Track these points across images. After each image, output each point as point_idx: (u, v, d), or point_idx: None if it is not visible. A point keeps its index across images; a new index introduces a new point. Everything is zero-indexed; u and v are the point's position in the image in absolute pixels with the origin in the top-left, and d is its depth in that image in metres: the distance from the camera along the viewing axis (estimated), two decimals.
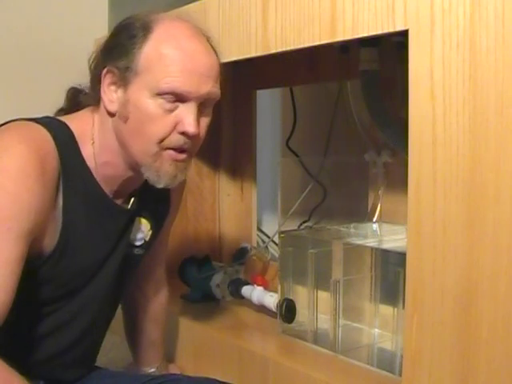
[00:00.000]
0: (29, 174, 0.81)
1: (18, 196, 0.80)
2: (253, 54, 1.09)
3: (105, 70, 0.89)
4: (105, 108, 0.90)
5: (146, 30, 0.88)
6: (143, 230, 1.04)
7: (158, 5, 1.39)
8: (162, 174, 0.89)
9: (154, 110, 0.86)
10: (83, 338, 0.99)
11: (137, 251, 1.04)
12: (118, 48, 0.89)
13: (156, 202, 1.06)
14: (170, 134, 0.87)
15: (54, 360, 0.97)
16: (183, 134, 0.87)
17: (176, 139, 0.87)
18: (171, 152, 0.88)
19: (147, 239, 1.05)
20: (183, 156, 0.89)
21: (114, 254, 0.98)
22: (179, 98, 0.86)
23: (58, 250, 0.88)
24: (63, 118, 0.93)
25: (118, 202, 0.97)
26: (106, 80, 0.89)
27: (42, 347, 0.94)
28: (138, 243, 1.03)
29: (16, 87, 1.71)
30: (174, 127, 0.87)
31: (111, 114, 0.90)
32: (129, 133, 0.89)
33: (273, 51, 1.05)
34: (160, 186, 0.90)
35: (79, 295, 0.95)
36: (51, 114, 0.95)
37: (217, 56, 0.92)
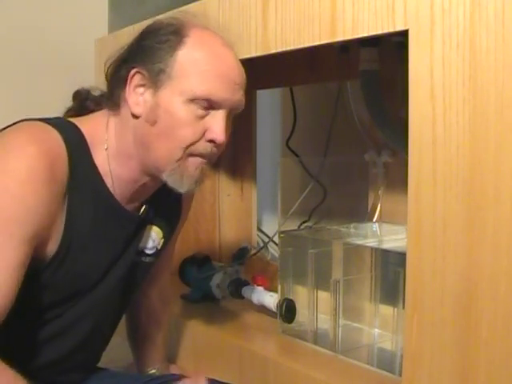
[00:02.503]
0: (37, 177, 0.79)
1: (23, 199, 0.78)
2: (253, 54, 1.09)
3: (133, 72, 0.88)
4: (130, 110, 0.89)
5: (179, 34, 0.88)
6: (155, 238, 1.03)
7: (158, 5, 1.39)
8: (186, 178, 0.88)
9: (186, 116, 0.86)
10: (86, 343, 0.98)
11: (148, 259, 1.03)
12: (149, 51, 0.88)
13: (168, 210, 1.05)
14: (198, 141, 0.87)
15: (56, 365, 0.96)
16: (211, 141, 0.87)
17: (203, 147, 0.88)
18: (197, 158, 0.88)
19: (159, 247, 1.04)
20: (206, 161, 0.90)
21: (120, 261, 0.97)
22: (212, 104, 0.87)
23: (60, 255, 0.86)
24: (75, 121, 0.91)
25: (130, 208, 0.95)
26: (134, 82, 0.88)
27: (44, 352, 0.93)
28: (149, 252, 1.02)
29: (16, 87, 1.71)
30: (203, 134, 0.87)
31: (135, 117, 0.89)
32: (155, 136, 0.87)
33: (273, 51, 1.05)
34: (182, 190, 0.90)
35: (82, 300, 0.94)
36: (51, 114, 0.93)
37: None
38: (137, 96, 0.88)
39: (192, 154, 0.88)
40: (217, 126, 0.87)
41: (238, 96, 0.89)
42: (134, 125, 0.89)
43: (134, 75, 0.88)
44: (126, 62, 0.90)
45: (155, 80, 0.87)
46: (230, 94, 0.88)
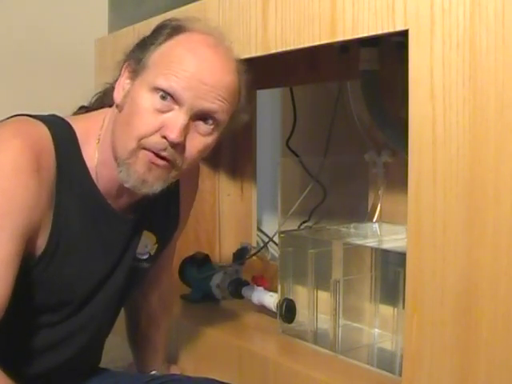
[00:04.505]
0: (23, 169, 0.78)
1: (11, 192, 0.78)
2: (253, 54, 1.09)
3: (125, 65, 0.89)
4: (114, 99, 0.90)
5: (174, 31, 0.88)
6: (148, 243, 1.01)
7: (158, 5, 1.39)
8: (131, 172, 0.84)
9: (145, 105, 0.84)
10: (82, 353, 0.98)
11: (142, 265, 1.02)
12: (143, 45, 0.89)
13: (165, 215, 1.04)
14: (151, 135, 0.83)
15: (51, 373, 0.95)
16: (165, 138, 0.83)
17: (155, 141, 0.83)
18: (147, 153, 0.84)
19: (152, 253, 1.03)
20: (161, 162, 0.84)
21: (119, 270, 0.96)
22: (173, 99, 0.83)
23: (50, 251, 0.85)
24: (69, 118, 0.91)
25: (118, 207, 0.94)
26: (125, 73, 0.89)
27: (39, 361, 0.92)
28: (142, 257, 1.01)
29: (16, 87, 1.71)
30: (159, 129, 0.83)
31: (117, 106, 0.89)
32: (119, 123, 0.87)
33: (273, 51, 1.05)
34: (128, 185, 0.86)
35: (81, 311, 0.93)
36: (50, 114, 0.93)
37: (238, 81, 0.89)
38: (122, 85, 0.89)
39: (144, 148, 0.84)
40: (172, 122, 0.83)
41: (204, 97, 0.84)
42: (115, 115, 0.89)
43: (126, 68, 0.89)
44: (127, 55, 0.91)
45: (135, 70, 0.87)
46: (191, 93, 0.83)
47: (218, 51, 0.87)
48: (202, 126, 0.86)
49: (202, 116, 0.85)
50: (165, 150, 0.84)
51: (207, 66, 0.85)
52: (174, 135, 0.82)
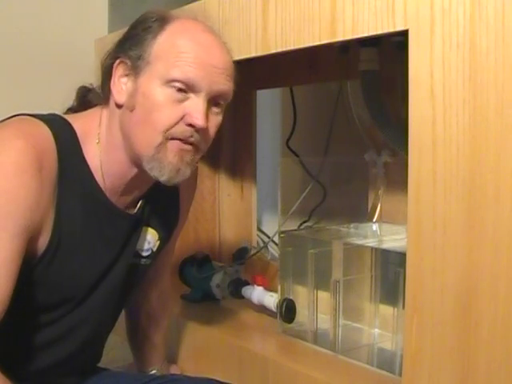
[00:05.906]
0: (25, 169, 0.79)
1: (13, 193, 0.78)
2: (253, 54, 1.09)
3: (117, 62, 0.89)
4: (113, 100, 0.89)
5: (162, 22, 0.88)
6: (150, 240, 1.02)
7: (158, 5, 1.39)
8: (165, 165, 0.86)
9: (163, 99, 0.85)
10: (83, 348, 0.98)
11: (143, 261, 1.02)
12: (132, 39, 0.89)
13: (165, 211, 1.04)
14: (176, 124, 0.85)
15: (52, 369, 0.95)
16: (190, 125, 0.86)
17: (182, 130, 0.86)
18: (176, 141, 0.86)
19: (155, 249, 1.03)
20: (189, 147, 0.87)
21: (118, 264, 0.96)
22: (189, 87, 0.85)
23: (51, 250, 0.86)
24: (68, 117, 0.92)
25: (122, 205, 0.95)
26: (118, 72, 0.89)
27: (40, 357, 0.93)
28: (145, 254, 1.02)
29: (16, 87, 1.71)
30: (182, 118, 0.86)
31: (119, 106, 0.89)
32: (134, 122, 0.87)
33: (273, 51, 1.05)
34: (163, 179, 0.87)
35: (81, 306, 0.93)
36: (51, 113, 0.93)
37: (231, 57, 0.91)
38: (120, 85, 0.89)
39: (171, 138, 0.86)
40: (195, 109, 0.85)
41: (219, 82, 0.87)
42: (120, 114, 0.89)
43: (118, 65, 0.89)
44: (114, 54, 0.91)
45: (135, 66, 0.87)
46: (207, 79, 0.86)
47: (212, 33, 0.90)
48: (215, 107, 0.90)
49: (216, 98, 0.88)
50: (192, 136, 0.87)
51: (213, 52, 0.88)
52: (200, 122, 0.85)
